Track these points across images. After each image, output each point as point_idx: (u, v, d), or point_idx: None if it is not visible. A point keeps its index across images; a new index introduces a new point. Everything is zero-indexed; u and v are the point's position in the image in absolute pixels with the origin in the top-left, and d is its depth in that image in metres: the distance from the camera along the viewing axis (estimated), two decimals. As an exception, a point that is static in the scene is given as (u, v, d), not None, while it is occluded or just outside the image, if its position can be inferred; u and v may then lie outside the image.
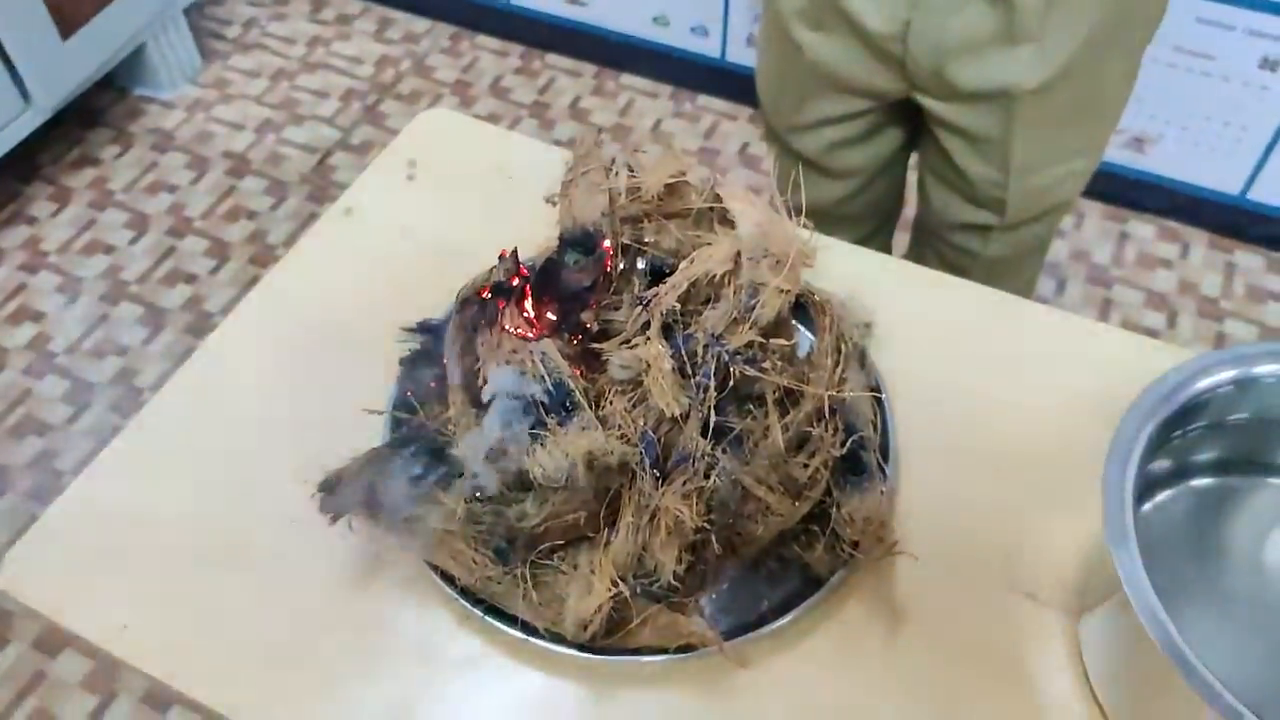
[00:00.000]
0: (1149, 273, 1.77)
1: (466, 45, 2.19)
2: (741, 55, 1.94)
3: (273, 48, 2.19)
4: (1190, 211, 1.81)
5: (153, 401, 0.76)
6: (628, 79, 2.09)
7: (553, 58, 2.14)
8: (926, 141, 1.05)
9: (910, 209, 1.21)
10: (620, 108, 2.05)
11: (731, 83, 1.99)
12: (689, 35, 1.96)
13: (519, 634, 0.62)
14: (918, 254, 1.21)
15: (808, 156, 1.08)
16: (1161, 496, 0.63)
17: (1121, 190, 1.81)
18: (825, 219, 1.15)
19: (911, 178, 1.16)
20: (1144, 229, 1.83)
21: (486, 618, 0.62)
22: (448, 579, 0.64)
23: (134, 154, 1.99)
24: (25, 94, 1.78)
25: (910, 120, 1.05)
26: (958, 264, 1.13)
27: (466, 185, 0.89)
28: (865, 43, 0.92)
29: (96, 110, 2.05)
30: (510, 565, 0.62)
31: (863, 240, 1.20)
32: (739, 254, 0.67)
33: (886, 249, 1.28)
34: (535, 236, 0.74)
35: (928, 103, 0.96)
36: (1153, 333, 1.69)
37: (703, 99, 2.05)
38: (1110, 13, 0.86)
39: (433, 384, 0.70)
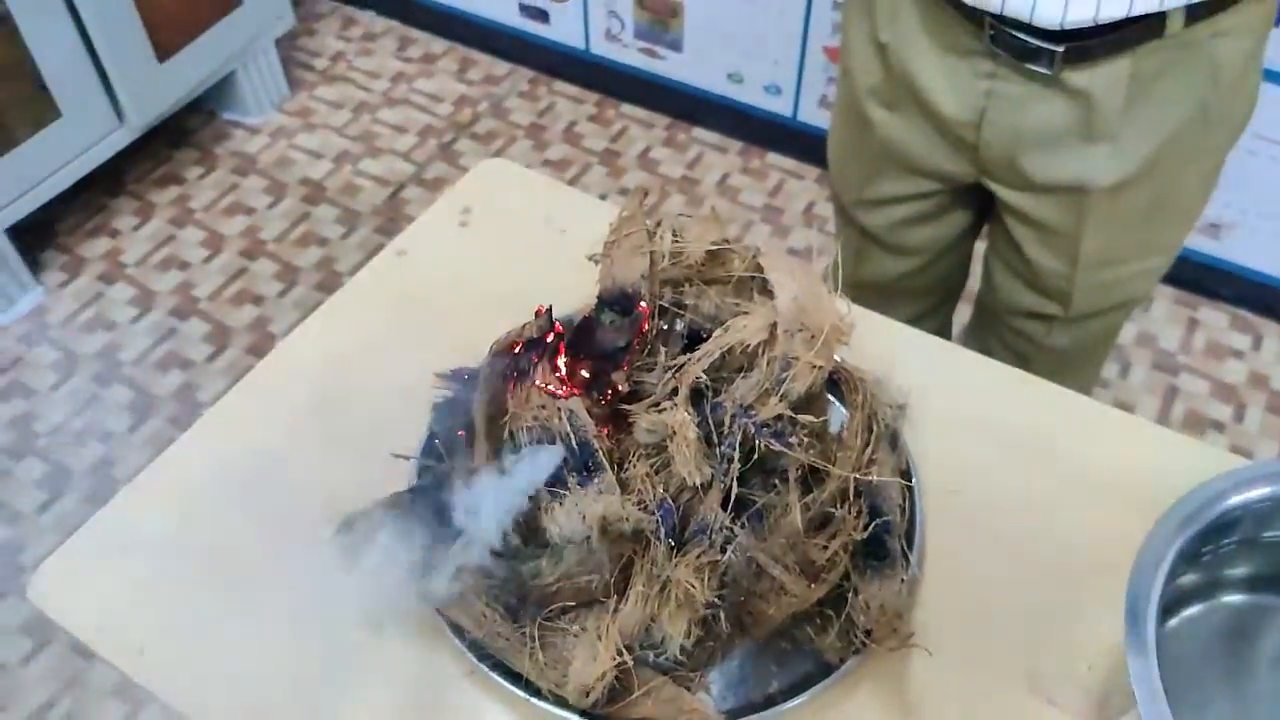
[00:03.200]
0: (1218, 363, 1.72)
1: (544, 90, 2.23)
2: (813, 115, 1.95)
3: (358, 81, 2.26)
4: (1264, 302, 1.75)
5: (193, 429, 0.78)
6: (699, 133, 2.11)
7: (627, 108, 2.17)
8: (995, 226, 1.03)
9: (975, 280, 1.19)
10: (689, 160, 2.06)
11: (801, 142, 2.00)
12: (762, 93, 1.98)
13: (522, 693, 0.61)
14: (979, 335, 1.19)
15: (873, 231, 1.07)
16: (1190, 611, 0.60)
17: (1194, 276, 1.77)
18: (887, 293, 1.14)
19: (979, 248, 1.14)
20: (1215, 317, 1.78)
21: (492, 674, 0.62)
22: (457, 630, 0.64)
23: (216, 175, 2.05)
24: (119, 113, 1.86)
25: (979, 202, 1.04)
26: (1020, 351, 1.11)
27: (518, 235, 0.90)
28: (938, 127, 0.91)
29: (185, 131, 2.12)
30: (520, 623, 0.62)
31: (924, 314, 1.19)
32: (774, 326, 0.67)
33: (947, 323, 1.27)
34: (581, 291, 0.74)
35: (998, 190, 0.94)
36: (1218, 425, 1.64)
37: (771, 156, 2.06)
38: (1192, 116, 0.84)
39: (460, 433, 0.70)
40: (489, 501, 0.62)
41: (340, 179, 2.05)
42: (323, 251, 1.92)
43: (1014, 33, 0.80)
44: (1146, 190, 0.89)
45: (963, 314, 1.28)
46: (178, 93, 1.94)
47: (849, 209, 1.09)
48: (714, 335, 0.67)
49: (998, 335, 1.14)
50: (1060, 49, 0.80)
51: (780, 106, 1.98)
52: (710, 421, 0.63)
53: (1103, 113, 0.83)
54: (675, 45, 2.01)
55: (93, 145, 1.84)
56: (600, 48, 2.11)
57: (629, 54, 2.08)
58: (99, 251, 1.92)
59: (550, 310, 0.67)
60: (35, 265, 1.87)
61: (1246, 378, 1.70)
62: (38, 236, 1.90)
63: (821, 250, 1.82)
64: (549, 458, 0.63)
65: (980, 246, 1.12)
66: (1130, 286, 1.01)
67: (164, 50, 1.86)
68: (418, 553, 0.63)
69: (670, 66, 2.05)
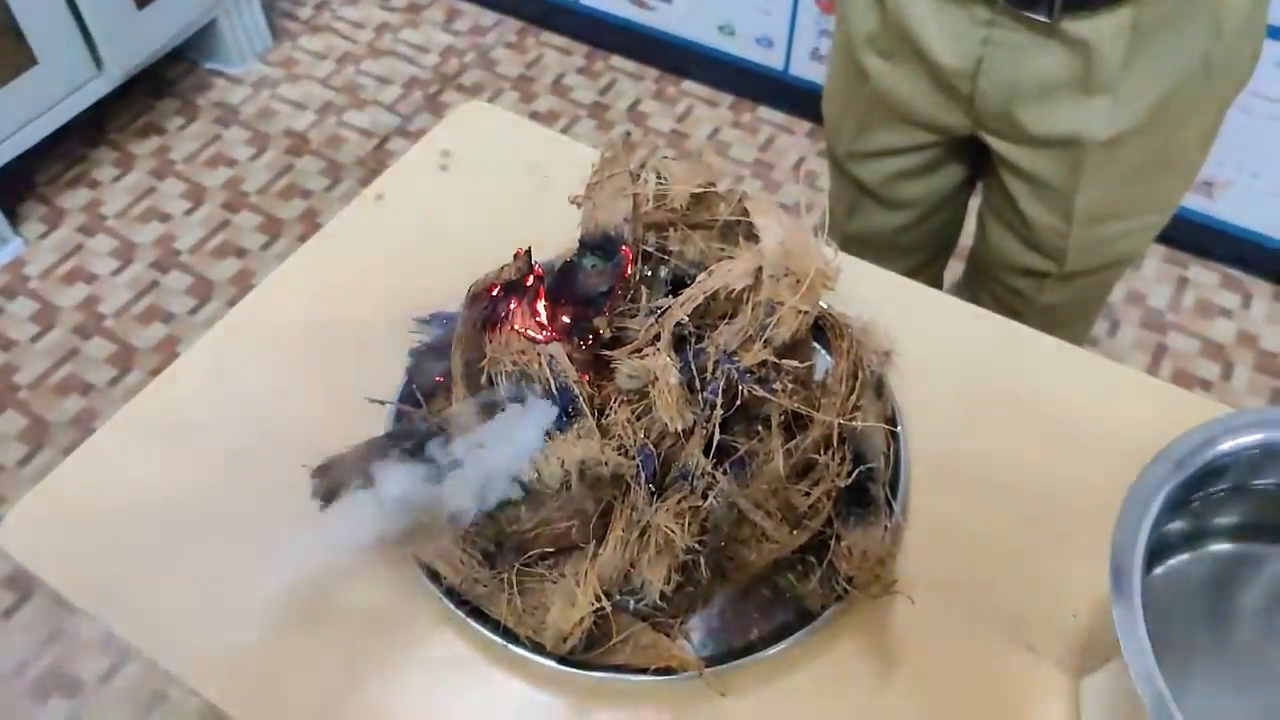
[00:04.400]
0: (1207, 321, 1.71)
1: (532, 41, 2.19)
2: (805, 69, 1.92)
3: (342, 31, 2.21)
4: (1255, 261, 1.75)
5: (166, 373, 0.76)
6: (689, 85, 2.08)
7: (617, 60, 2.14)
8: (990, 180, 1.01)
9: (968, 238, 1.17)
10: (679, 114, 2.04)
11: (792, 96, 1.97)
12: (753, 46, 1.95)
13: (499, 639, 0.61)
14: (971, 291, 1.18)
15: (867, 184, 1.06)
16: (1176, 560, 0.60)
17: (1185, 234, 1.76)
18: (880, 247, 1.12)
19: (973, 205, 1.13)
20: (1205, 275, 1.77)
21: (469, 620, 0.61)
22: (434, 577, 0.63)
23: (198, 126, 2.02)
24: (98, 60, 1.82)
25: (975, 156, 1.02)
26: (1011, 307, 1.09)
27: (498, 180, 0.88)
28: (934, 76, 0.89)
29: (166, 80, 2.08)
30: (498, 569, 0.61)
31: (916, 269, 1.17)
32: (760, 270, 0.66)
33: (939, 279, 1.25)
34: (562, 236, 0.73)
35: (994, 143, 0.93)
36: (1206, 384, 1.63)
37: (762, 110, 2.03)
38: (1194, 68, 0.82)
39: (438, 378, 0.69)
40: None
41: (324, 131, 2.01)
42: (306, 204, 1.90)
43: None
44: (1145, 145, 0.87)
45: (954, 270, 1.27)
46: (157, 41, 1.90)
47: (843, 161, 1.07)
48: (698, 279, 0.65)
49: (989, 291, 1.12)
50: None
51: (772, 59, 1.95)
52: (693, 367, 0.62)
53: (1102, 64, 0.81)
54: (665, -4, 1.97)
55: (70, 94, 1.80)
56: (589, -2, 2.07)
57: (619, 4, 2.04)
58: (79, 203, 1.89)
59: (529, 252, 0.65)
60: (13, 217, 1.84)
61: (1235, 337, 1.70)
62: (16, 187, 1.87)
63: (812, 205, 1.80)
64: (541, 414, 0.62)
65: (975, 202, 1.11)
66: (1125, 244, 0.99)
67: (143, -4, 1.82)
68: (394, 496, 0.61)
69: (660, 17, 2.01)
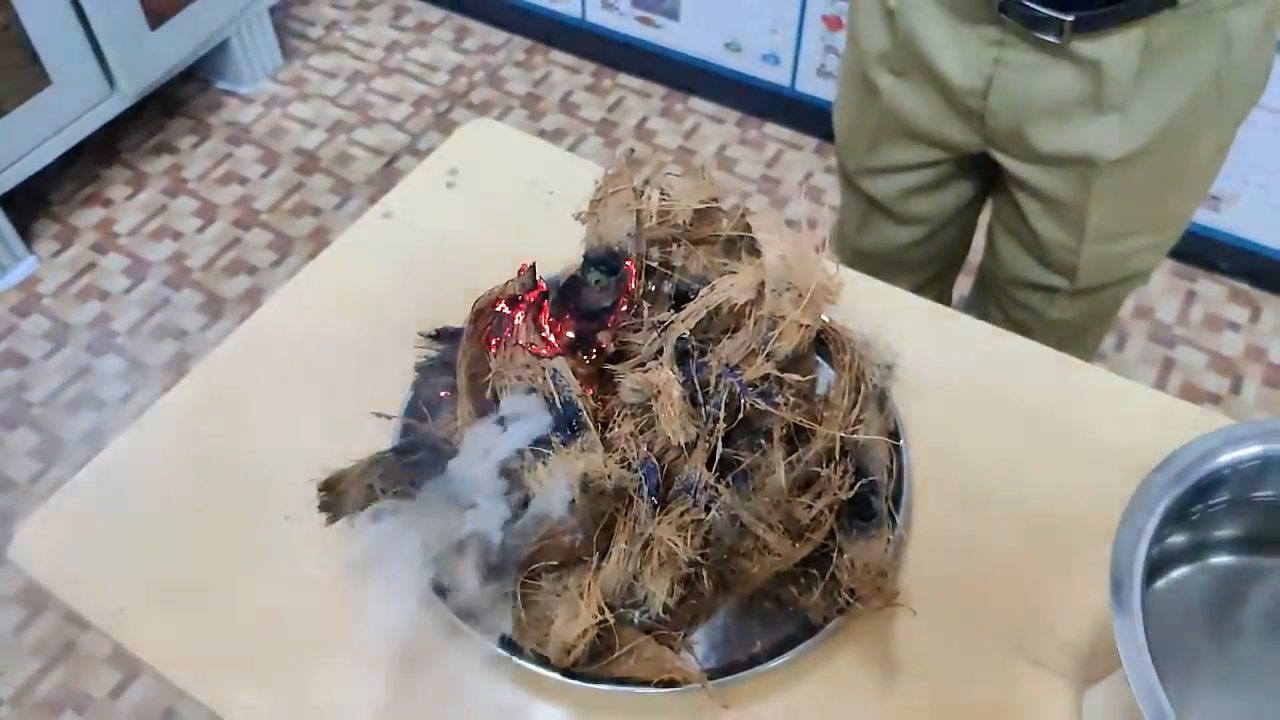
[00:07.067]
0: (1215, 335, 1.71)
1: (540, 59, 2.21)
2: (811, 85, 1.93)
3: (352, 50, 2.23)
4: (1263, 275, 1.74)
5: (176, 389, 0.77)
6: (696, 103, 2.09)
7: (624, 77, 2.15)
8: (1001, 196, 1.02)
9: (976, 254, 1.18)
10: (686, 131, 2.05)
11: (799, 112, 1.98)
12: (760, 63, 1.96)
13: (503, 651, 0.61)
14: (979, 306, 1.18)
15: (877, 199, 1.06)
16: (1177, 573, 0.60)
17: (1192, 247, 1.75)
18: (890, 263, 1.12)
19: (982, 220, 1.13)
20: (1213, 289, 1.77)
21: (473, 632, 0.62)
22: (439, 590, 0.63)
23: (210, 145, 2.04)
24: (111, 80, 1.84)
25: (985, 173, 1.02)
26: (1021, 322, 1.09)
27: (505, 197, 0.89)
28: (945, 94, 0.90)
29: (178, 100, 2.11)
30: (502, 581, 0.62)
31: (925, 284, 1.18)
32: (762, 285, 0.66)
33: (948, 294, 1.25)
34: (568, 252, 0.73)
35: (1005, 160, 0.93)
36: (1214, 398, 1.63)
37: (769, 127, 2.04)
38: (1205, 87, 0.82)
39: (443, 393, 0.69)
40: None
41: (334, 149, 2.03)
42: (316, 221, 1.91)
43: (1023, 0, 0.79)
44: (1156, 163, 0.87)
45: (962, 286, 1.27)
46: (170, 61, 1.92)
47: (853, 176, 1.07)
48: (700, 294, 0.66)
49: (999, 306, 1.13)
50: (1069, 18, 0.78)
51: (778, 76, 1.96)
52: (696, 381, 0.62)
53: (1112, 83, 0.81)
54: (672, 13, 1.99)
55: (84, 113, 1.82)
56: (596, 16, 2.09)
57: (626, 22, 2.06)
58: (92, 221, 1.91)
59: (534, 267, 0.66)
60: (27, 235, 1.86)
61: (1244, 350, 1.69)
62: (30, 206, 1.89)
63: (818, 222, 1.80)
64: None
65: (984, 218, 1.11)
66: (1137, 260, 0.99)
67: (156, 17, 1.84)
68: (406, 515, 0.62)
69: (667, 35, 2.03)
